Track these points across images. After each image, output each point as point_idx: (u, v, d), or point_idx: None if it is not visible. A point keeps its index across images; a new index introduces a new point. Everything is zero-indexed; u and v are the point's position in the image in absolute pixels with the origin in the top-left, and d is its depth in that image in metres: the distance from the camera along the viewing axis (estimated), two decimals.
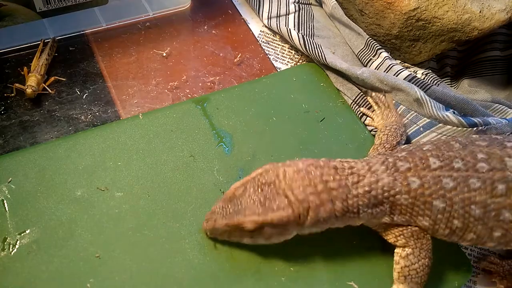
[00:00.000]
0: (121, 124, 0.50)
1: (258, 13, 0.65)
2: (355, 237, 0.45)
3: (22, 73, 0.53)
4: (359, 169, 0.40)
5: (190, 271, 0.41)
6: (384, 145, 0.49)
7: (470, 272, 0.45)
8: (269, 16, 0.64)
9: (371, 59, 0.59)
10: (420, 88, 0.53)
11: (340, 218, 0.40)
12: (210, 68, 0.58)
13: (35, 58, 0.53)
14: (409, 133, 0.53)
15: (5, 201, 0.43)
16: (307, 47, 0.59)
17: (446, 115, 0.50)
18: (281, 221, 0.39)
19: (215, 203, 0.42)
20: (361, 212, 0.40)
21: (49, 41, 0.55)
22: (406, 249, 0.41)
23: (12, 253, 0.40)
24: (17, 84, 0.51)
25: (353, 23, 0.61)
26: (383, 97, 0.55)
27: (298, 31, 0.62)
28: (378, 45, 0.59)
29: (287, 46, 0.64)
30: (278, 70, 0.60)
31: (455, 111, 0.52)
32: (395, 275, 0.42)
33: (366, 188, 0.39)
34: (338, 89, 0.58)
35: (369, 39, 0.59)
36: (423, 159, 0.40)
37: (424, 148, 0.42)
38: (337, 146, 0.52)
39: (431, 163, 0.40)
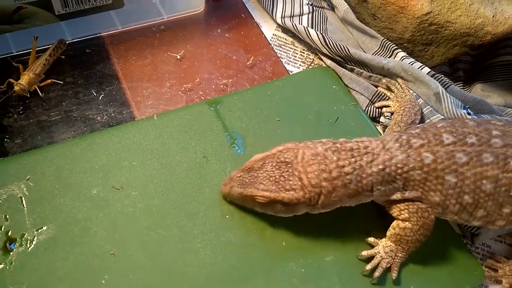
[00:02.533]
0: (136, 125, 0.51)
1: (272, 13, 0.66)
2: (368, 234, 0.45)
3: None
4: (373, 148, 0.42)
5: (202, 270, 0.42)
6: (399, 124, 0.50)
7: (482, 277, 0.45)
8: (283, 16, 0.65)
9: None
10: (440, 84, 0.54)
11: (354, 198, 0.41)
12: (223, 71, 0.59)
13: (31, 56, 0.53)
14: None
15: (23, 198, 0.44)
16: (328, 43, 0.59)
17: (462, 113, 0.51)
18: (291, 201, 0.41)
19: (234, 170, 0.45)
20: (374, 190, 0.41)
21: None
22: (406, 223, 0.42)
23: (29, 249, 0.41)
24: (11, 79, 0.52)
25: (366, 27, 0.62)
26: (395, 81, 0.56)
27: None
28: (394, 45, 0.59)
29: (299, 49, 0.64)
30: (290, 73, 0.61)
31: (470, 112, 0.53)
32: (388, 233, 0.44)
33: (380, 166, 0.41)
34: (353, 89, 0.59)
35: (384, 40, 0.60)
36: (437, 135, 0.41)
37: (438, 125, 0.43)
38: None
39: (444, 139, 0.41)
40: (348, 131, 0.54)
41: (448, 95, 0.52)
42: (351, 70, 0.60)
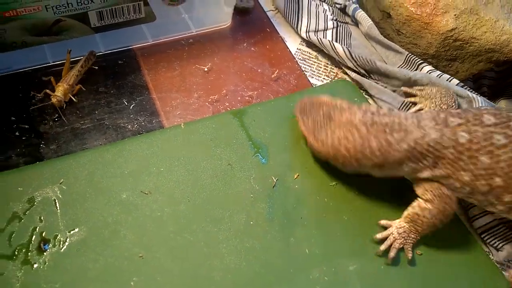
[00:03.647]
0: (164, 133, 0.52)
1: (296, 27, 0.67)
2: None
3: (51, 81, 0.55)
4: (408, 125, 0.42)
5: (227, 275, 0.43)
6: (440, 106, 0.51)
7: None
8: (308, 30, 0.66)
9: None
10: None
11: (377, 168, 0.43)
12: (248, 83, 0.61)
13: (64, 68, 0.56)
14: None
15: (57, 201, 0.45)
16: (354, 56, 0.61)
17: None
18: (312, 149, 0.47)
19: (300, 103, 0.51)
20: (404, 165, 0.42)
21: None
22: (428, 204, 0.43)
23: (62, 249, 0.43)
24: (47, 90, 0.54)
25: (391, 42, 0.63)
26: (416, 86, 0.57)
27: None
28: (419, 59, 0.60)
29: (323, 63, 0.66)
30: (314, 86, 0.62)
31: None
32: (405, 213, 0.45)
33: (412, 144, 0.41)
34: (381, 99, 0.60)
35: (409, 55, 0.61)
36: (478, 115, 0.41)
37: (482, 107, 0.43)
38: None
39: (485, 119, 0.41)
40: None
41: (480, 98, 0.52)
42: (376, 83, 0.61)
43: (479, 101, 0.52)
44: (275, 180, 0.50)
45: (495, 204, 0.42)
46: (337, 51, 0.62)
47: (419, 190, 0.44)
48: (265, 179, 0.50)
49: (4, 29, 0.52)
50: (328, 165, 0.50)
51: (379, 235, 0.45)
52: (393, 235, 0.45)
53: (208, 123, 0.54)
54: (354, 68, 0.62)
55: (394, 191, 0.50)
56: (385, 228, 0.46)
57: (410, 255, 0.45)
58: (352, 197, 0.49)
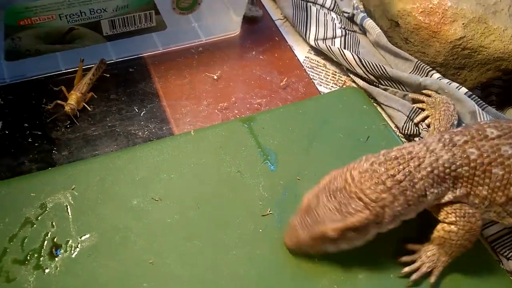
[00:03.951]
0: (174, 140, 0.53)
1: (305, 35, 0.68)
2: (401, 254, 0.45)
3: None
4: (417, 152, 0.42)
5: (236, 282, 0.43)
6: (439, 128, 0.51)
7: None
8: (316, 38, 0.67)
9: None
10: (476, 104, 0.55)
11: (413, 206, 0.41)
12: (257, 91, 0.62)
13: (77, 76, 0.57)
14: None
15: (68, 207, 0.46)
16: (363, 63, 0.61)
17: None
18: (362, 223, 0.40)
19: (291, 218, 0.43)
20: (428, 194, 0.41)
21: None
22: (452, 226, 0.42)
23: (73, 255, 0.43)
24: (58, 101, 0.55)
25: (399, 50, 0.63)
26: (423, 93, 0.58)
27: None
28: (428, 67, 0.60)
29: (331, 71, 0.66)
30: (322, 94, 0.62)
31: None
32: (432, 237, 0.44)
33: (429, 169, 0.41)
34: (390, 107, 0.60)
35: (418, 62, 0.61)
36: (480, 130, 0.42)
37: (481, 122, 0.44)
38: None
39: (488, 133, 0.41)
40: (379, 150, 0.55)
41: (484, 113, 0.53)
42: (385, 90, 0.61)
43: (483, 115, 0.53)
44: (283, 188, 0.50)
45: None
46: (346, 58, 0.62)
47: (441, 216, 0.43)
48: (274, 186, 0.50)
49: (19, 37, 0.53)
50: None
51: (406, 258, 0.44)
52: (421, 259, 0.44)
53: (218, 130, 0.54)
54: (363, 75, 0.62)
55: None
56: (411, 251, 0.45)
57: (434, 279, 0.43)
58: None
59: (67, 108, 0.54)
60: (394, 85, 0.61)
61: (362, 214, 0.40)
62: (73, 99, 0.54)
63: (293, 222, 0.43)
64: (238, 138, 0.54)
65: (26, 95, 0.56)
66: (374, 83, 0.62)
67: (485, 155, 0.40)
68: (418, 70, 0.61)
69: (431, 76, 0.60)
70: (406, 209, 0.41)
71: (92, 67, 0.58)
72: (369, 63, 0.61)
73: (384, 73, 0.60)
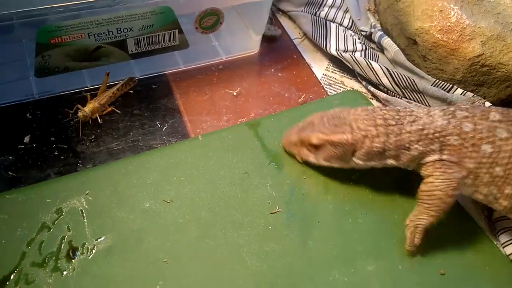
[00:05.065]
0: (183, 144, 0.55)
1: (325, 47, 0.68)
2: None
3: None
4: (418, 112, 0.44)
5: (249, 277, 0.43)
6: None
7: None
8: (337, 49, 0.68)
9: None
10: None
11: (391, 151, 0.44)
12: (276, 107, 0.63)
13: (100, 88, 0.59)
14: None
15: (83, 211, 0.47)
16: (392, 73, 0.61)
17: None
18: (340, 141, 0.46)
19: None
20: (411, 148, 0.43)
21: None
22: (429, 178, 0.43)
23: (90, 257, 0.44)
24: (79, 105, 0.57)
25: (416, 68, 0.63)
26: None
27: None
28: (448, 84, 0.60)
29: (348, 87, 0.67)
30: (324, 97, 0.63)
31: None
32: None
33: (420, 127, 0.43)
34: None
35: (436, 81, 0.61)
36: (485, 112, 0.43)
37: (491, 107, 0.44)
38: (383, 171, 0.52)
39: (491, 116, 0.42)
40: None
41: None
42: (409, 103, 0.61)
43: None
44: (290, 187, 0.50)
45: (498, 197, 0.42)
46: (373, 67, 0.62)
47: (423, 171, 0.44)
48: (281, 185, 0.50)
49: (49, 54, 0.55)
50: (342, 170, 0.50)
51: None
52: (408, 226, 0.44)
53: (225, 134, 0.56)
54: (389, 85, 0.62)
55: (409, 194, 0.49)
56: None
57: (417, 240, 0.44)
58: (367, 200, 0.50)
59: (80, 113, 0.56)
60: (419, 98, 0.60)
61: (344, 135, 0.46)
62: (89, 107, 0.57)
63: (294, 126, 0.51)
64: (244, 141, 0.55)
65: (53, 110, 0.59)
66: (398, 96, 0.62)
67: (478, 131, 0.41)
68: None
69: (453, 92, 0.59)
70: (383, 152, 0.44)
71: (118, 83, 0.61)
72: (397, 73, 0.61)
73: (411, 84, 0.59)
